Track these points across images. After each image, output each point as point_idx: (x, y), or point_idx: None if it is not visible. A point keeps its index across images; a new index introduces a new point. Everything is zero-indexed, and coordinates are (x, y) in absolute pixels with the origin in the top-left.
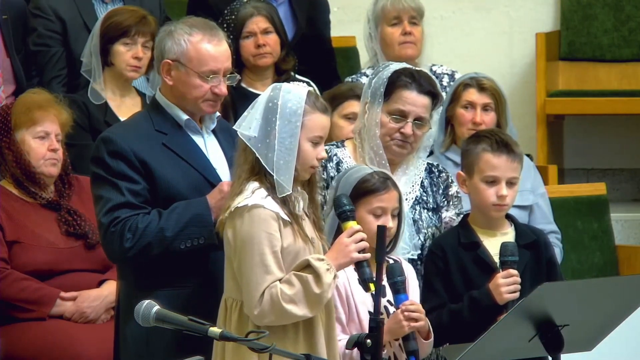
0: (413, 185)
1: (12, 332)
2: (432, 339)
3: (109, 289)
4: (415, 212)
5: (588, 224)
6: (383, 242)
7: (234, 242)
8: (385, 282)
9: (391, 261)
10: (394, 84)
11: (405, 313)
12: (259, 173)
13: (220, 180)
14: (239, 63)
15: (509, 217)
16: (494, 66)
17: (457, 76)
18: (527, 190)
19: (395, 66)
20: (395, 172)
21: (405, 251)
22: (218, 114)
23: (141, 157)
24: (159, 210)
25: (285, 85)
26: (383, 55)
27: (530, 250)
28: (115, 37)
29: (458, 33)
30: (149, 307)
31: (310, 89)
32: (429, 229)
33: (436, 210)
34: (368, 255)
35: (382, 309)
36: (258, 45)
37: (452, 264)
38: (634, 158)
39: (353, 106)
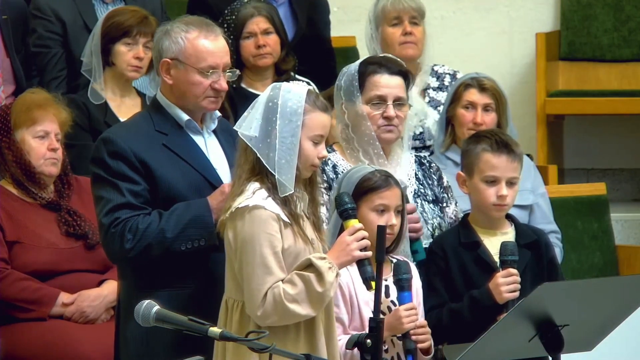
0: (409, 179)
1: (12, 332)
2: (431, 354)
3: (109, 289)
4: (417, 205)
5: (588, 224)
6: (383, 242)
7: (235, 243)
8: (389, 282)
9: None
10: (363, 74)
11: (409, 312)
12: (260, 173)
13: (221, 181)
14: (239, 63)
15: (509, 217)
16: (494, 66)
17: (459, 76)
18: (527, 190)
19: (359, 60)
20: (390, 165)
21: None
22: (219, 114)
23: (141, 157)
24: (160, 211)
25: (284, 84)
26: None
27: (530, 250)
28: (117, 37)
29: (458, 33)
30: (149, 307)
31: (310, 87)
32: (434, 220)
33: (436, 201)
34: (369, 253)
35: (386, 309)
36: (258, 46)
37: (453, 263)
38: (634, 158)
39: None
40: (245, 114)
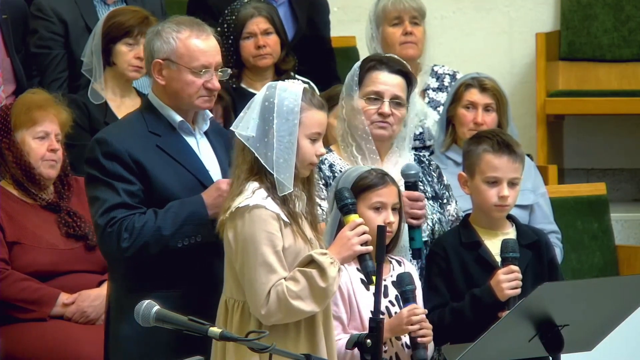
0: None
1: (13, 333)
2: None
3: None
4: None
5: (588, 224)
6: (383, 241)
7: (235, 243)
8: (387, 282)
9: (394, 262)
10: (363, 69)
11: (412, 318)
12: (259, 173)
13: (213, 182)
14: (239, 63)
15: (510, 217)
16: (494, 66)
17: (458, 76)
18: (527, 190)
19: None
20: (386, 165)
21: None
22: (211, 114)
23: (136, 158)
24: (155, 210)
25: (280, 83)
26: None
27: (531, 250)
28: (118, 37)
29: (458, 33)
30: (149, 307)
31: (306, 86)
32: (434, 215)
33: (436, 198)
34: (370, 248)
35: (384, 309)
36: (258, 46)
37: (454, 263)
38: (634, 158)
39: None
40: (241, 114)
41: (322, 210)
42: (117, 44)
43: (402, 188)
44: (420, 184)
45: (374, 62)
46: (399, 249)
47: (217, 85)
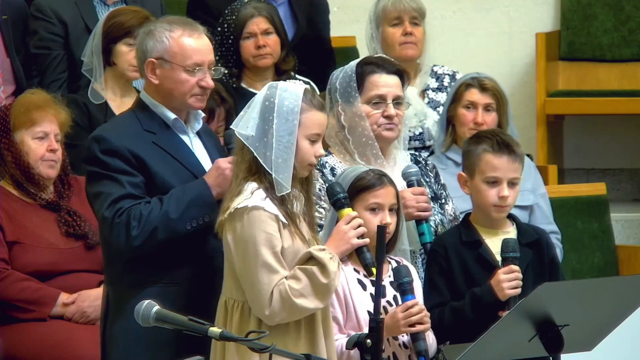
0: None
1: (13, 333)
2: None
3: None
4: None
5: (588, 224)
6: (383, 242)
7: (235, 245)
8: (385, 282)
9: (393, 262)
10: (361, 75)
11: (406, 314)
12: (257, 172)
13: None
14: (239, 63)
15: (510, 217)
16: (494, 66)
17: (458, 76)
18: (527, 190)
19: (354, 62)
20: (388, 164)
21: (417, 239)
22: (203, 114)
23: (135, 153)
24: (160, 197)
25: (281, 83)
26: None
27: (532, 249)
28: (118, 37)
29: (458, 33)
30: (149, 307)
31: (307, 86)
32: (436, 216)
33: (435, 199)
34: (367, 240)
35: (382, 309)
36: (258, 46)
37: (454, 262)
38: (634, 158)
39: None
40: (241, 113)
41: (324, 210)
42: (118, 44)
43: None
44: (422, 183)
45: (372, 66)
46: (397, 250)
47: (211, 83)
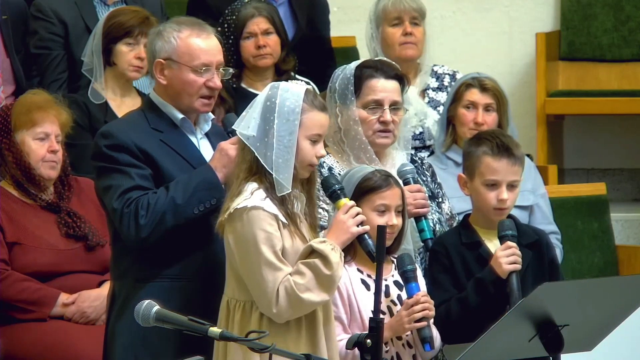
0: None
1: (13, 333)
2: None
3: None
4: None
5: (588, 224)
6: (383, 242)
7: (236, 245)
8: (389, 282)
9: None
10: (360, 79)
11: (409, 312)
12: (258, 172)
13: None
14: (239, 63)
15: (510, 217)
16: (494, 66)
17: (458, 76)
18: (527, 191)
19: (354, 64)
20: (384, 167)
21: (418, 238)
22: (212, 116)
23: (143, 148)
24: (166, 186)
25: (283, 84)
26: (384, 55)
27: (532, 250)
28: (118, 37)
29: (458, 33)
30: (149, 307)
31: (309, 87)
32: (433, 215)
33: (433, 198)
34: (367, 227)
35: (385, 309)
36: (258, 46)
37: (456, 261)
38: (634, 158)
39: None
40: (243, 113)
41: (326, 211)
42: (118, 44)
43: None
44: (418, 180)
45: (370, 70)
46: (400, 250)
47: (219, 84)
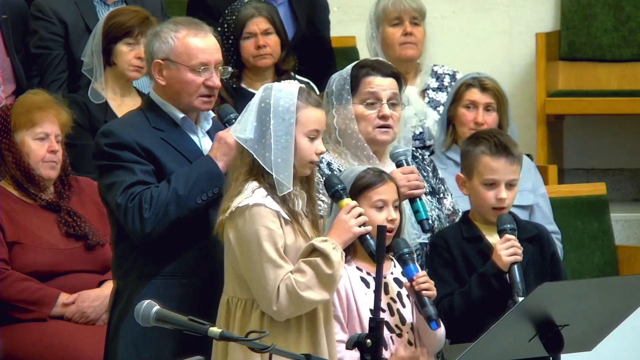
0: None
1: (13, 333)
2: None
3: (110, 289)
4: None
5: (588, 224)
6: (383, 242)
7: (237, 243)
8: (388, 279)
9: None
10: (357, 77)
11: (421, 285)
12: (258, 174)
13: None
14: (239, 63)
15: (510, 214)
16: (494, 66)
17: (458, 76)
18: (527, 190)
19: (350, 65)
20: (383, 165)
21: (415, 236)
22: (213, 114)
23: (144, 145)
24: (168, 179)
25: (276, 84)
26: (384, 55)
27: (532, 244)
28: (118, 37)
29: (458, 33)
30: (149, 307)
31: (302, 85)
32: (433, 212)
33: (433, 193)
34: (369, 228)
35: (385, 306)
36: (258, 46)
37: (457, 255)
38: (634, 158)
39: None
40: (239, 117)
41: (325, 205)
42: (118, 44)
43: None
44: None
45: (367, 68)
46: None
47: (217, 83)
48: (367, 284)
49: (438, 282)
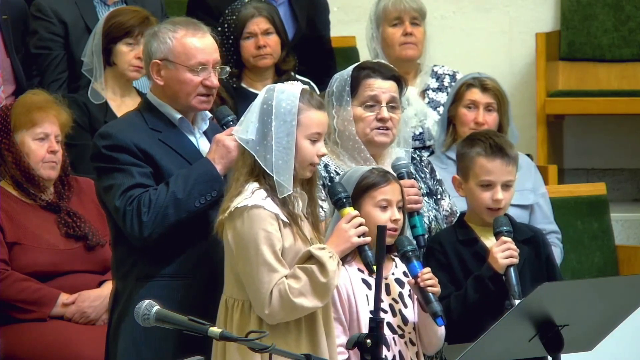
0: None
1: (13, 333)
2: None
3: (109, 289)
4: None
5: (588, 224)
6: (383, 242)
7: (235, 244)
8: (389, 280)
9: (397, 259)
10: (357, 79)
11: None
12: (258, 175)
13: None
14: (239, 63)
15: (506, 215)
16: (494, 66)
17: (458, 76)
18: (527, 190)
19: (351, 66)
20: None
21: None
22: (210, 115)
23: (142, 147)
24: (166, 182)
25: (278, 85)
26: (384, 55)
27: (528, 246)
28: (118, 37)
29: (458, 33)
30: (149, 307)
31: (305, 87)
32: (430, 212)
33: (430, 194)
34: (368, 239)
35: (387, 307)
36: (258, 46)
37: (452, 258)
38: (634, 158)
39: None
40: (242, 118)
41: (324, 211)
42: (118, 44)
43: None
44: (412, 174)
45: (367, 70)
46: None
47: (216, 82)
48: (369, 285)
49: None
